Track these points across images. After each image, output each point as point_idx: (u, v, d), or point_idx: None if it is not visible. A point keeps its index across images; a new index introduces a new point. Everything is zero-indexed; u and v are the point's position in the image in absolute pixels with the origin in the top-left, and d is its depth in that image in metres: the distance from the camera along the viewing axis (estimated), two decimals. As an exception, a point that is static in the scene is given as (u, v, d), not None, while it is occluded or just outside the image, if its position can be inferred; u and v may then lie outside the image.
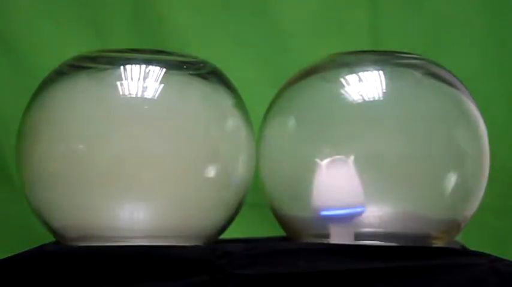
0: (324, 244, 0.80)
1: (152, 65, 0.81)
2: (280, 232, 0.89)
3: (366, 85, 0.82)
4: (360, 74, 0.84)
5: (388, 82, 0.83)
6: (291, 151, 0.85)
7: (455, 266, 0.75)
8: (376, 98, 0.82)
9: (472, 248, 0.82)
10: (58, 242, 0.84)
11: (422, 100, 0.84)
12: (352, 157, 0.79)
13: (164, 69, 0.81)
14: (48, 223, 0.82)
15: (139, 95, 0.79)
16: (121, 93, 0.79)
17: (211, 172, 0.81)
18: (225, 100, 0.85)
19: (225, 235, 0.87)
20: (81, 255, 0.75)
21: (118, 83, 0.79)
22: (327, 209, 0.80)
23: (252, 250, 0.75)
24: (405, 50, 0.88)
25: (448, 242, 0.85)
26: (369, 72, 0.84)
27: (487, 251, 0.78)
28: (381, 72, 0.83)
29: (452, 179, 0.82)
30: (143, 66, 0.81)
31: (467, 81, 0.87)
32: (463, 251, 0.83)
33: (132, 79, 0.80)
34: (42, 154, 0.80)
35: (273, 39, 1.16)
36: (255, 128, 0.87)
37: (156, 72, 0.81)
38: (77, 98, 0.81)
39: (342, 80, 0.84)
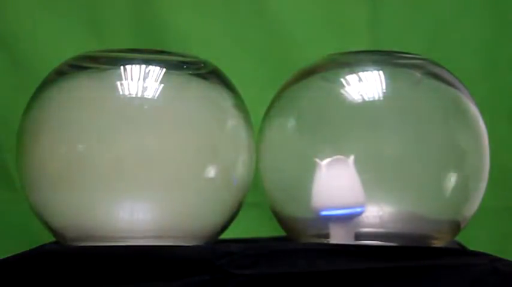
0: (324, 244, 0.80)
1: (152, 65, 0.81)
2: (280, 232, 0.89)
3: (365, 85, 0.83)
4: (360, 74, 0.84)
5: (387, 82, 0.83)
6: (291, 151, 0.85)
7: (455, 266, 0.75)
8: (376, 98, 0.82)
9: (472, 248, 0.82)
10: (58, 242, 0.84)
11: (422, 100, 0.84)
12: (352, 157, 0.79)
13: (164, 69, 0.81)
14: (48, 223, 0.82)
15: (139, 95, 0.79)
16: (121, 93, 0.79)
17: (211, 172, 0.81)
18: (225, 100, 0.85)
19: (225, 235, 0.87)
20: (81, 255, 0.75)
21: (118, 83, 0.79)
22: (327, 209, 0.80)
23: (252, 250, 0.75)
24: (405, 50, 0.88)
25: (448, 242, 0.85)
26: (369, 72, 0.84)
27: (487, 251, 0.78)
28: (381, 72, 0.83)
29: (452, 179, 0.82)
30: (143, 66, 0.81)
31: (467, 81, 0.87)
32: (463, 251, 0.83)
33: (132, 79, 0.80)
34: (42, 154, 0.80)
35: (273, 39, 1.16)
36: (255, 128, 0.87)
37: (156, 72, 0.81)
38: (77, 98, 0.81)
39: (342, 80, 0.84)
